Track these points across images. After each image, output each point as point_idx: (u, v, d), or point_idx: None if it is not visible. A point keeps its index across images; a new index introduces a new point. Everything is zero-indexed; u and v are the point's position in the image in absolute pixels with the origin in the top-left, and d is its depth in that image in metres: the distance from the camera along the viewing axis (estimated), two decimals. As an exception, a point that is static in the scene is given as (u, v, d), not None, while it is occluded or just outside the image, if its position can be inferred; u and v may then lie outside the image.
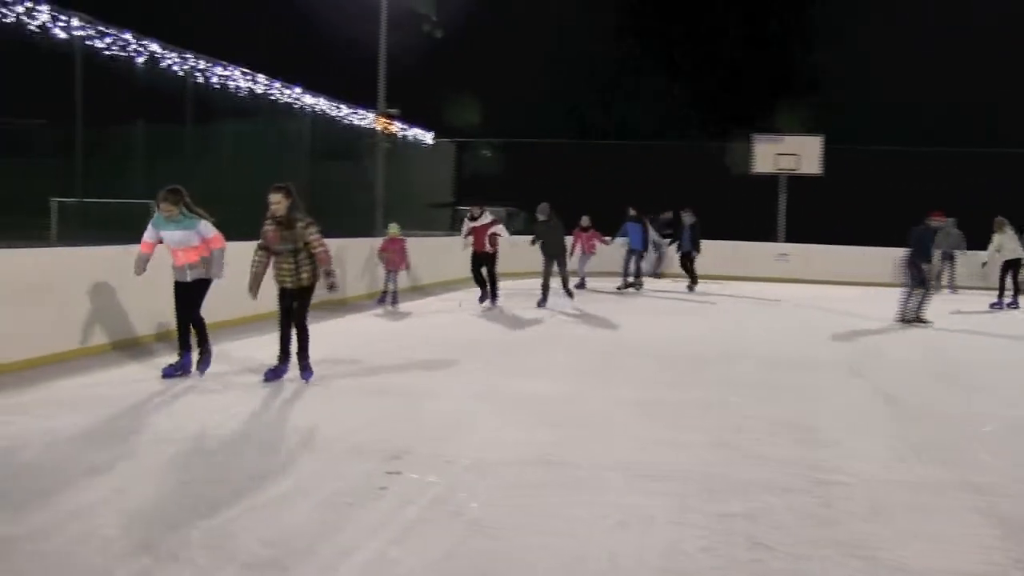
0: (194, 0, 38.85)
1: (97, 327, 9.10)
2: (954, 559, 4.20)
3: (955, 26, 38.00)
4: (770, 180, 23.68)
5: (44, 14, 10.03)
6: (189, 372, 8.06)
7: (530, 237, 15.40)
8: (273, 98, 15.46)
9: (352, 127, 19.04)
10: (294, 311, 8.07)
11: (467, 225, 14.58)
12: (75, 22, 10.36)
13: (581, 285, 18.55)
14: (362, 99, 21.14)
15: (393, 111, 22.01)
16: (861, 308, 16.41)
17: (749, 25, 40.71)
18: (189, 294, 8.04)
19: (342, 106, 18.29)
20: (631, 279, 19.02)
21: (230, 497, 4.79)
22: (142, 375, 8.10)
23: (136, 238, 8.13)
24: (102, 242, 9.90)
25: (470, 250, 14.66)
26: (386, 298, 14.64)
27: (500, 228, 14.44)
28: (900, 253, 14.25)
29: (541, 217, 14.83)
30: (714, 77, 41.00)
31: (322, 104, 17.29)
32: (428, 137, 23.57)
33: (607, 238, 19.34)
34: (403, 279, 15.27)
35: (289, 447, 5.87)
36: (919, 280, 13.64)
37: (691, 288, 19.12)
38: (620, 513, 4.69)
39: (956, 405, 7.87)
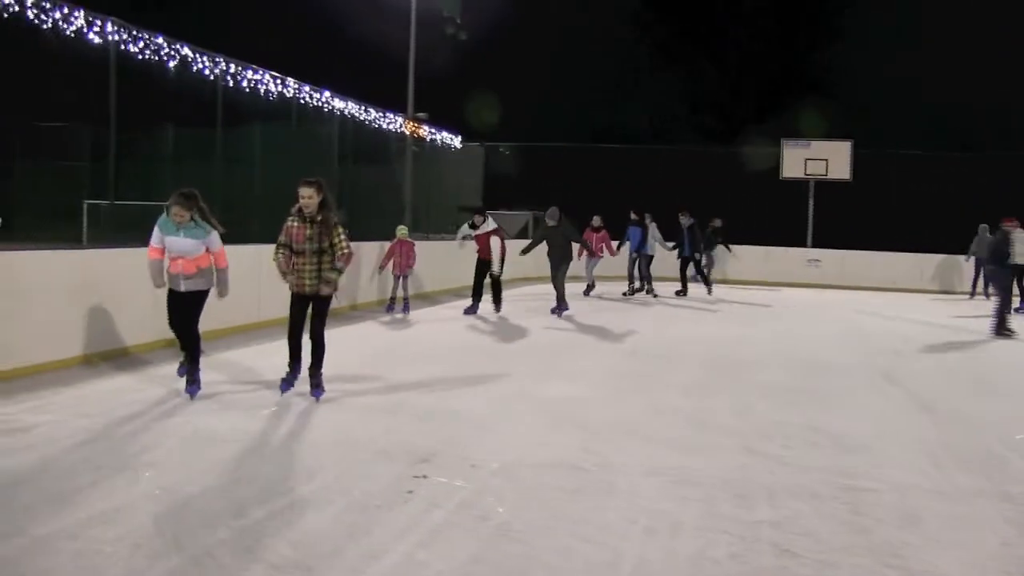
0: (225, 5, 39.23)
1: (128, 328, 9.19)
2: (988, 570, 4.13)
3: (986, 28, 37.59)
4: (798, 185, 23.52)
5: (80, 19, 10.13)
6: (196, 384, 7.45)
7: (526, 243, 14.96)
8: (303, 102, 15.53)
9: (381, 131, 19.09)
10: (308, 320, 7.47)
11: (464, 232, 14.31)
12: (109, 26, 10.47)
13: (589, 289, 18.18)
14: (391, 103, 21.26)
15: (422, 115, 22.10)
16: (893, 313, 16.30)
17: (777, 26, 40.47)
18: (187, 307, 7.44)
19: (371, 110, 18.36)
20: (637, 284, 18.57)
21: (258, 499, 4.82)
22: (172, 377, 8.15)
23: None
24: (133, 244, 9.99)
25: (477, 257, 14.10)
26: (394, 305, 14.02)
27: (496, 241, 13.61)
28: (939, 259, 14.14)
29: (550, 222, 14.22)
30: (743, 79, 40.82)
31: (351, 108, 17.36)
32: (456, 140, 23.60)
33: (613, 244, 18.68)
34: (412, 284, 14.59)
35: (315, 451, 5.88)
36: (1003, 288, 13.44)
37: (680, 294, 18.60)
38: (648, 519, 4.67)
39: (991, 412, 7.74)
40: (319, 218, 7.21)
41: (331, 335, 7.78)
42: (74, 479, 5.07)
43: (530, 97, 40.82)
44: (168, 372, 8.08)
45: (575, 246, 15.25)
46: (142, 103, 13.08)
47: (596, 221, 18.37)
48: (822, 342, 12.12)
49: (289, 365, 7.58)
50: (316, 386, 7.42)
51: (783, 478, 5.48)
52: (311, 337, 7.45)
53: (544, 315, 14.13)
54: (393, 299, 14.09)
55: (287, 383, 7.55)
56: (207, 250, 7.39)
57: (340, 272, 7.30)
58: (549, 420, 6.94)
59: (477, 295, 13.99)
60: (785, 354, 10.75)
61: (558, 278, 14.26)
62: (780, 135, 24.70)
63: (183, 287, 7.36)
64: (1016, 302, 16.47)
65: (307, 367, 7.50)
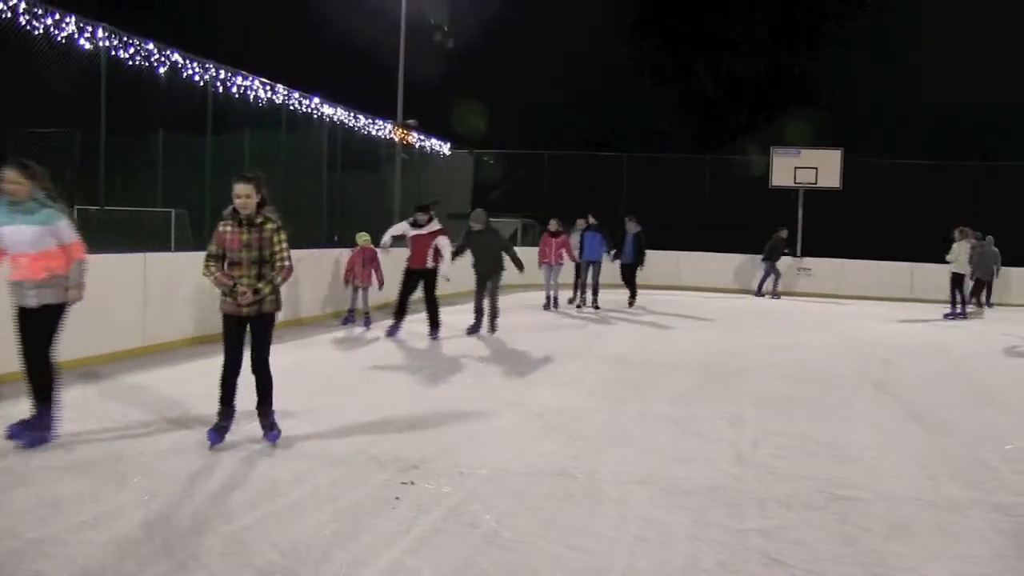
0: (216, 11, 39.21)
1: (118, 333, 9.16)
2: (977, 579, 4.13)
3: (979, 33, 37.88)
4: (787, 193, 23.59)
5: (71, 25, 10.10)
6: (43, 437, 5.90)
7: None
8: (292, 108, 15.50)
9: (370, 137, 19.08)
10: (246, 347, 6.11)
11: (398, 230, 12.08)
12: (100, 32, 10.44)
13: (550, 304, 16.62)
14: (380, 110, 21.26)
15: (411, 122, 22.10)
16: (885, 322, 16.34)
17: (769, 35, 40.72)
18: (37, 327, 5.85)
19: (360, 116, 18.34)
20: (579, 295, 16.99)
21: (247, 505, 4.80)
22: (161, 382, 8.12)
23: (156, 246, 7.93)
24: (123, 250, 9.98)
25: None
26: (353, 318, 12.89)
27: (445, 242, 11.79)
28: (930, 267, 14.27)
29: (476, 226, 12.15)
30: (735, 88, 41.02)
31: (340, 114, 17.34)
32: (445, 148, 23.61)
33: (575, 252, 16.95)
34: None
35: (303, 458, 5.86)
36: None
37: (631, 303, 17.53)
38: (638, 527, 4.66)
39: (982, 422, 7.75)
40: (258, 220, 5.94)
41: (287, 355, 7.54)
42: (61, 487, 5.04)
43: (521, 105, 40.97)
44: (153, 379, 8.05)
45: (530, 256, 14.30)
46: (132, 109, 13.02)
47: (553, 225, 16.75)
48: (813, 351, 12.13)
49: (220, 411, 6.07)
50: (270, 428, 6.16)
51: (773, 487, 5.48)
52: (253, 370, 6.11)
53: (532, 327, 13.77)
54: (352, 311, 12.96)
55: (218, 432, 6.02)
56: (61, 244, 5.87)
57: (272, 286, 5.97)
58: (538, 428, 6.92)
59: (400, 314, 11.80)
60: (776, 363, 10.76)
61: (481, 294, 12.32)
62: (771, 143, 24.78)
63: (35, 300, 5.82)
64: (948, 308, 17.58)
65: (255, 406, 6.22)
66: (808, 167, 22.90)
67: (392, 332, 11.70)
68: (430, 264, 11.67)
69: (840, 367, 10.67)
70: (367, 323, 12.65)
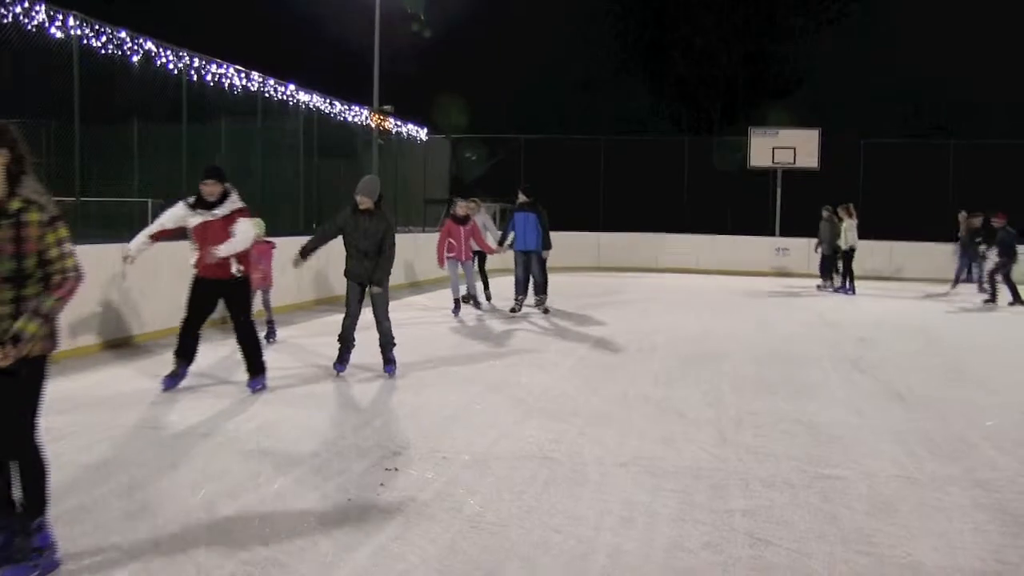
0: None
1: (95, 326, 9.11)
2: (963, 556, 4.15)
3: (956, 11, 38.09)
4: (765, 174, 23.67)
5: (41, 13, 9.95)
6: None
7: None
8: (268, 95, 15.37)
9: (347, 124, 18.97)
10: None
11: (174, 215, 7.40)
12: (71, 21, 10.29)
13: (467, 303, 13.56)
14: (358, 97, 21.14)
15: (387, 108, 22.02)
16: (864, 301, 16.44)
17: (747, 17, 40.78)
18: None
19: (336, 103, 18.22)
20: (519, 295, 13.30)
21: (230, 494, 4.77)
22: (135, 375, 8.08)
23: (131, 236, 7.71)
24: (100, 241, 9.89)
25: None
26: (271, 328, 10.17)
27: (246, 223, 7.36)
28: (909, 246, 14.31)
29: (364, 202, 8.00)
30: (713, 70, 41.08)
31: (316, 101, 17.22)
32: (422, 133, 23.52)
33: (493, 243, 14.14)
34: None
35: (284, 445, 5.83)
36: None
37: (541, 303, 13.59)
38: (622, 509, 4.67)
39: (961, 399, 7.81)
40: (12, 206, 3.62)
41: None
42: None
43: (499, 90, 40.86)
44: (126, 372, 8.03)
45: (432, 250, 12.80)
46: (106, 98, 12.87)
47: (460, 208, 13.36)
48: (793, 331, 12.20)
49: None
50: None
51: (756, 468, 5.50)
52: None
53: (516, 315, 12.98)
54: (267, 319, 10.15)
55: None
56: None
57: (44, 318, 3.61)
58: (519, 412, 6.92)
59: (190, 347, 7.49)
60: (756, 344, 10.81)
61: (356, 302, 8.24)
62: (751, 124, 24.83)
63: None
64: (837, 281, 18.34)
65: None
66: (786, 147, 22.96)
67: (174, 377, 7.49)
68: (233, 271, 7.36)
69: (816, 347, 10.72)
70: (271, 334, 10.06)
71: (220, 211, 7.22)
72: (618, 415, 6.87)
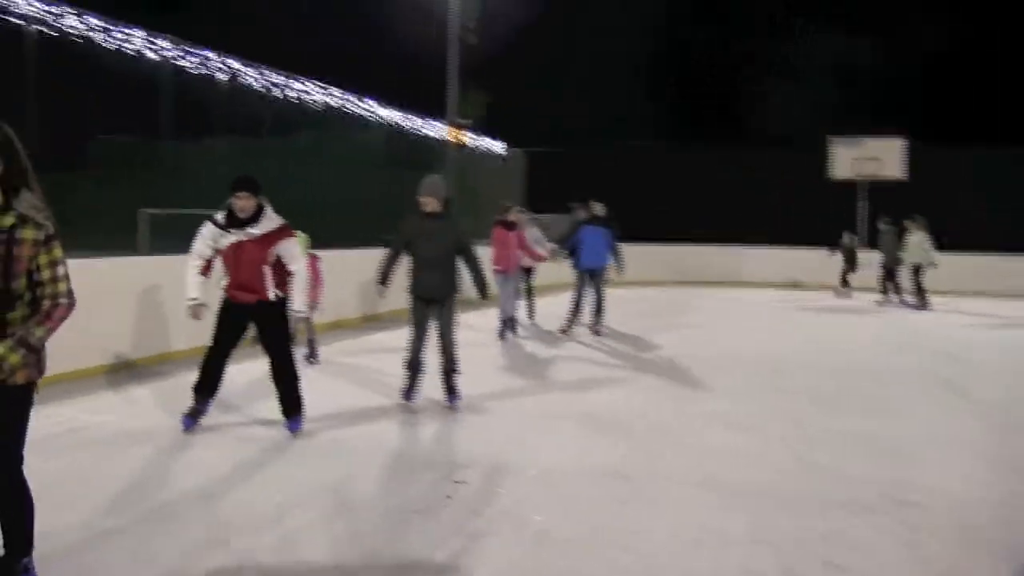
0: (270, 18, 39.83)
1: (180, 333, 9.36)
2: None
3: None
4: (848, 185, 23.03)
5: (139, 39, 10.41)
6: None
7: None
8: (347, 110, 15.72)
9: (424, 138, 19.26)
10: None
11: (209, 237, 6.34)
12: (164, 44, 10.72)
13: (508, 327, 11.77)
14: (434, 110, 21.40)
15: (464, 122, 22.21)
16: (954, 316, 15.91)
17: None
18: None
19: (414, 117, 18.52)
20: (573, 316, 12.20)
21: (298, 504, 4.85)
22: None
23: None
24: (185, 251, 10.19)
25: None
26: (313, 349, 9.51)
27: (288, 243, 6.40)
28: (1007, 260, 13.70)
29: (429, 204, 7.16)
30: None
31: (395, 116, 17.53)
32: (499, 147, 23.70)
33: (543, 250, 12.80)
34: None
35: (352, 456, 5.88)
36: None
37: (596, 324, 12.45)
38: (693, 529, 4.58)
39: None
40: (6, 222, 3.30)
41: (335, 358, 7.25)
42: (145, 474, 5.16)
43: (577, 100, 40.85)
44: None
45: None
46: (196, 114, 13.34)
47: (511, 212, 12.13)
48: (868, 345, 11.89)
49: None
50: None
51: (833, 490, 5.34)
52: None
53: (567, 337, 11.93)
54: (310, 341, 9.47)
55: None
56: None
57: (29, 348, 3.31)
58: (590, 428, 6.86)
59: (214, 380, 6.50)
60: (831, 358, 10.54)
61: (423, 323, 7.32)
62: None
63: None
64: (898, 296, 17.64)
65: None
66: (870, 158, 22.26)
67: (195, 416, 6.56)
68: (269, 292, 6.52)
69: (904, 363, 10.40)
70: (312, 353, 9.50)
71: (256, 230, 6.21)
72: (689, 433, 6.77)
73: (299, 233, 8.62)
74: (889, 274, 18.05)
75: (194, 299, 6.27)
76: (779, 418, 7.32)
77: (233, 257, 6.26)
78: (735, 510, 4.91)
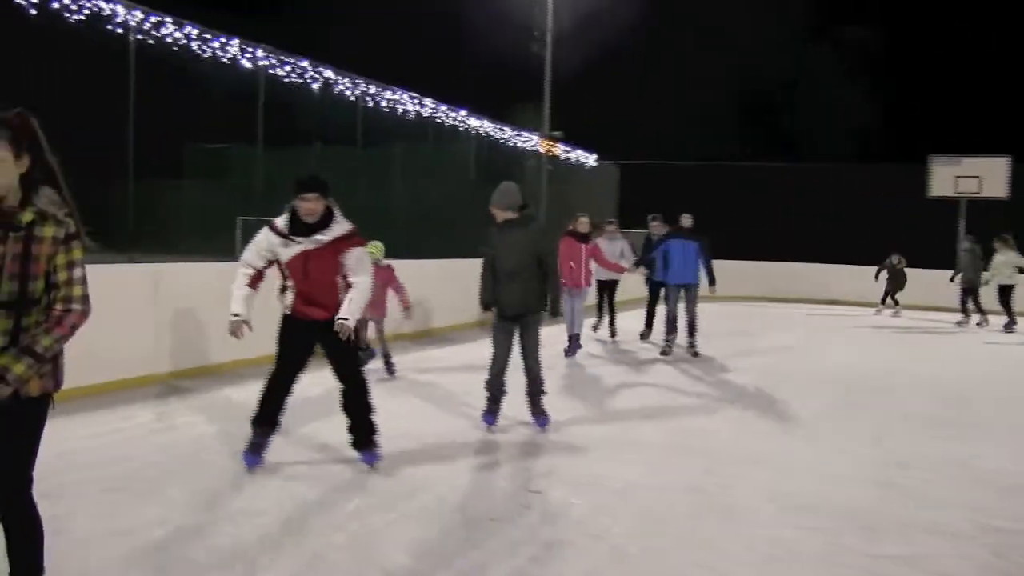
0: (365, 28, 40.71)
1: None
2: None
3: None
4: (946, 204, 22.25)
5: (235, 47, 10.73)
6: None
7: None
8: (439, 121, 15.91)
9: (515, 149, 19.35)
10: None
11: (264, 244, 5.63)
12: (259, 53, 11.03)
13: (572, 347, 11.10)
14: (526, 121, 21.51)
15: (556, 133, 22.26)
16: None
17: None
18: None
19: (506, 128, 18.63)
20: (668, 334, 11.54)
21: (377, 506, 4.93)
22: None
23: None
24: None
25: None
26: (389, 362, 9.15)
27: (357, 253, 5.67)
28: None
29: (503, 212, 6.79)
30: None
31: (486, 127, 17.66)
32: (591, 159, 23.64)
33: (624, 262, 12.23)
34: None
35: (429, 463, 5.94)
36: None
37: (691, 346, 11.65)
38: (768, 547, 4.50)
39: None
40: (24, 218, 2.98)
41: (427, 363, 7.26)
42: (220, 477, 5.33)
43: (669, 114, 40.57)
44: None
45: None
46: (290, 123, 13.69)
47: (583, 223, 11.21)
48: (978, 369, 11.45)
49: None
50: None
51: (918, 513, 5.19)
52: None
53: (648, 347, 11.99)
54: (363, 350, 8.73)
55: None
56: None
57: (36, 358, 2.96)
58: (671, 443, 6.80)
59: (276, 411, 5.70)
60: (934, 381, 10.20)
61: (506, 346, 6.86)
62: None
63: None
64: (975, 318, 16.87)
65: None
66: (970, 176, 21.57)
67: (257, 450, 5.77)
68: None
69: (1006, 388, 10.00)
70: (389, 369, 9.18)
71: (326, 236, 5.43)
72: (775, 451, 6.64)
73: (374, 243, 8.70)
74: (968, 294, 17.32)
75: (237, 315, 5.50)
76: (867, 440, 7.12)
77: (301, 268, 5.46)
78: (814, 529, 4.81)
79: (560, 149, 21.94)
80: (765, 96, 41.89)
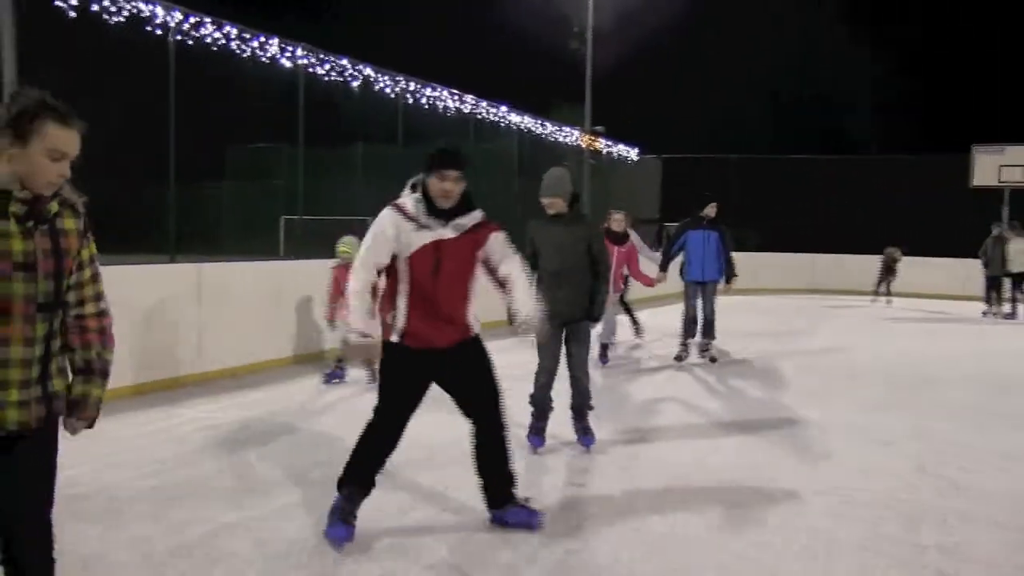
0: (405, 26, 40.95)
1: (314, 335, 9.72)
2: None
3: None
4: (990, 194, 21.80)
5: (274, 46, 10.85)
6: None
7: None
8: (480, 117, 15.95)
9: (558, 144, 19.34)
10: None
11: (386, 231, 4.25)
12: (299, 52, 11.15)
13: (602, 355, 9.94)
14: (568, 116, 21.49)
15: (598, 128, 22.20)
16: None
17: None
18: None
19: (547, 124, 18.63)
20: (692, 339, 10.41)
21: (417, 504, 4.97)
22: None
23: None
24: (322, 256, 10.56)
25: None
26: (342, 371, 8.42)
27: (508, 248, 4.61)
28: None
29: (553, 206, 6.01)
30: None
31: (528, 122, 17.67)
32: (633, 153, 23.55)
33: (653, 275, 10.37)
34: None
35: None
36: None
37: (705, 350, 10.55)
38: (808, 537, 4.50)
39: None
40: (50, 209, 2.62)
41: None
42: (266, 471, 5.42)
43: (711, 106, 40.32)
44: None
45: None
46: (331, 122, 13.81)
47: (616, 221, 10.05)
48: (1012, 359, 11.23)
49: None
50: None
51: (957, 503, 5.15)
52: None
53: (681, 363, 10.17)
54: (341, 361, 8.43)
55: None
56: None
57: (105, 377, 2.84)
58: (716, 433, 6.82)
59: (375, 468, 4.44)
60: (977, 372, 10.06)
61: (578, 350, 6.14)
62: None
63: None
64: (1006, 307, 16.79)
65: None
66: (1015, 164, 21.13)
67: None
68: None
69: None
70: (338, 374, 8.48)
71: (467, 220, 4.31)
72: (817, 442, 6.61)
73: (348, 239, 8.30)
74: (993, 283, 17.21)
75: (366, 334, 4.11)
76: (912, 430, 7.05)
77: (432, 263, 4.18)
78: (850, 519, 4.79)
79: (602, 144, 21.89)
80: (805, 89, 41.44)
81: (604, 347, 10.00)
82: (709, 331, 10.37)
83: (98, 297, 2.79)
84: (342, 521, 4.23)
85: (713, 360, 10.32)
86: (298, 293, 9.50)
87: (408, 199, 4.27)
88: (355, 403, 7.41)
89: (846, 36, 41.50)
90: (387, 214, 4.23)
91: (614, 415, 7.22)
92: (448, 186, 4.15)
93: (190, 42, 9.32)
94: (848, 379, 9.48)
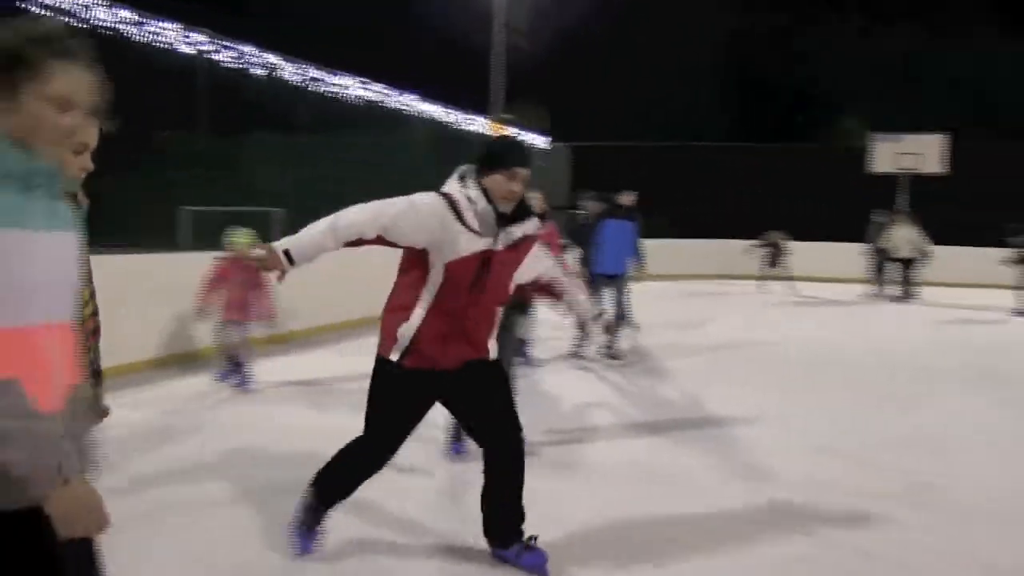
0: (310, 13, 40.25)
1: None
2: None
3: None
4: (887, 180, 22.68)
5: (172, 31, 10.51)
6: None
7: None
8: (387, 106, 15.80)
9: (466, 133, 19.31)
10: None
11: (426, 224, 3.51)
12: (200, 38, 10.84)
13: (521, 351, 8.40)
14: (479, 105, 21.48)
15: (507, 116, 22.21)
16: (998, 310, 15.56)
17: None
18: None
19: (456, 113, 18.56)
20: (603, 335, 8.27)
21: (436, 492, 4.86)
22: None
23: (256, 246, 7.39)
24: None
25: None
26: (242, 372, 7.58)
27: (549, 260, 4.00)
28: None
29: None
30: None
31: (436, 111, 17.58)
32: (543, 141, 23.65)
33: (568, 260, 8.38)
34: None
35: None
36: None
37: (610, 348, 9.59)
38: (719, 519, 4.59)
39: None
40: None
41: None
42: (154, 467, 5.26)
43: (623, 95, 40.81)
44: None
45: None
46: (233, 111, 13.48)
47: (536, 200, 6.93)
48: (919, 343, 11.70)
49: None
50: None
51: (860, 480, 5.33)
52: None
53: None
54: (235, 360, 7.62)
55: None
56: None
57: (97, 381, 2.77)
58: (622, 426, 6.89)
59: (355, 486, 3.95)
60: (879, 357, 10.36)
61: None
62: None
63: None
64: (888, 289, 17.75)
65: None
66: (910, 152, 22.02)
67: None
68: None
69: (947, 360, 10.21)
70: (244, 380, 7.61)
71: (518, 230, 3.69)
72: (726, 427, 6.76)
73: (243, 230, 7.64)
74: (877, 267, 18.31)
75: (284, 256, 3.45)
76: (814, 412, 7.30)
77: (473, 277, 3.56)
78: (760, 496, 4.92)
79: (511, 132, 21.89)
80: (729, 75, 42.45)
81: (522, 342, 8.79)
82: (621, 326, 9.54)
83: (92, 296, 2.69)
84: (309, 531, 3.89)
85: (614, 358, 9.50)
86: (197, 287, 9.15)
87: (459, 194, 3.55)
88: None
89: (767, 25, 42.56)
90: (434, 202, 3.51)
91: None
92: (517, 187, 3.59)
93: (83, 25, 8.95)
94: (752, 364, 9.70)
